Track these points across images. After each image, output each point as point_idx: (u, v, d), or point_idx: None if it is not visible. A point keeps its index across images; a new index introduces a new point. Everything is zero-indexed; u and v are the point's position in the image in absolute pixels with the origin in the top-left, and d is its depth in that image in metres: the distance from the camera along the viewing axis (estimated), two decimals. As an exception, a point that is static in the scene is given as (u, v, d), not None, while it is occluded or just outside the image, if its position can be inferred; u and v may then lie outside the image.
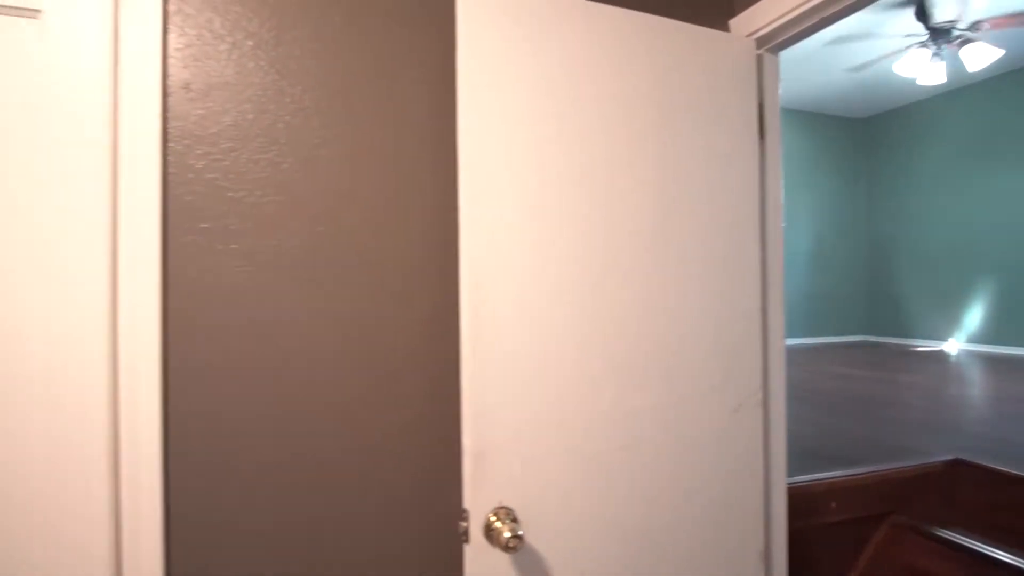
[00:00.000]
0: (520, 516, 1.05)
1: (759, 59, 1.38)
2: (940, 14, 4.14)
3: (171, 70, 1.01)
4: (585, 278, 1.12)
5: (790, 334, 6.44)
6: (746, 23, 1.38)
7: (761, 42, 1.37)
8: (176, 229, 1.00)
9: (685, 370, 1.23)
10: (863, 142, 7.00)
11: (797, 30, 1.31)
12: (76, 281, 0.96)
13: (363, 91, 1.11)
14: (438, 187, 1.15)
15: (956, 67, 5.42)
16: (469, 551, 1.01)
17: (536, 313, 1.08)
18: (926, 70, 4.62)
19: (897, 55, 4.98)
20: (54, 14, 0.97)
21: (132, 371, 0.97)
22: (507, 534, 0.96)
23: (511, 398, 1.05)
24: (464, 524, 1.01)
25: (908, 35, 4.59)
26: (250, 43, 1.05)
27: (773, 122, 1.41)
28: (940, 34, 4.30)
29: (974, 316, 5.80)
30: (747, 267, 1.32)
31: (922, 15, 4.20)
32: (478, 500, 1.02)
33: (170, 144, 1.00)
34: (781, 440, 1.39)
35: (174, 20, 1.01)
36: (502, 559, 1.02)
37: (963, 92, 5.92)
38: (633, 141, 1.19)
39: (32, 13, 0.97)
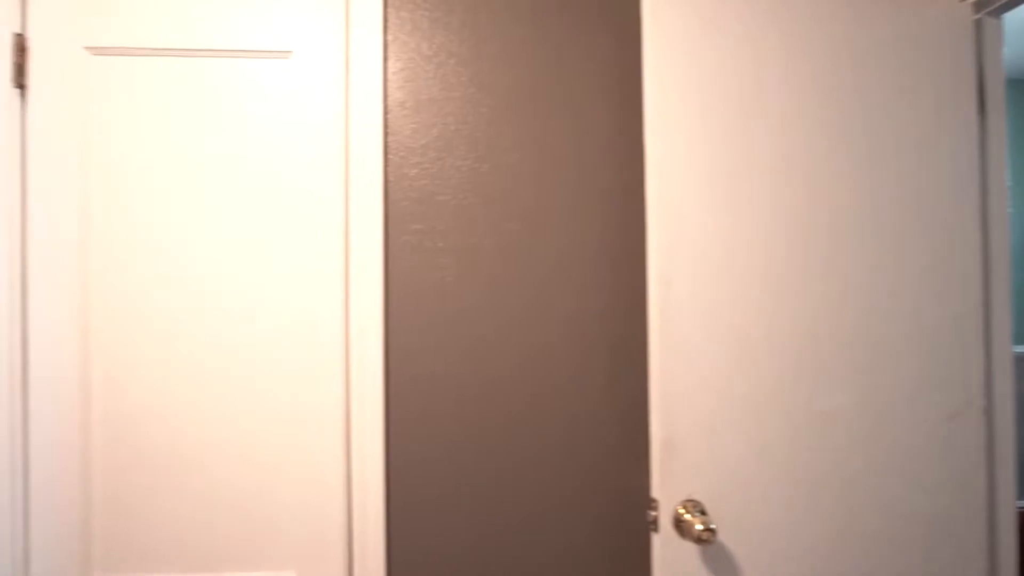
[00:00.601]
0: (708, 510, 1.04)
1: (977, 24, 1.23)
2: None
3: (389, 91, 1.15)
4: (774, 272, 1.09)
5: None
6: (962, -13, 1.24)
7: (979, 5, 1.22)
8: (394, 230, 1.15)
9: (887, 372, 1.14)
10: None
11: (1030, -12, 1.15)
12: (320, 278, 1.14)
13: (547, 98, 1.18)
14: (617, 186, 1.19)
15: None
16: (658, 540, 1.03)
17: (723, 307, 1.07)
18: None
19: None
20: (301, 54, 1.16)
21: (361, 349, 1.13)
22: (699, 526, 0.97)
23: (698, 391, 1.05)
24: (653, 513, 1.03)
25: None
26: (452, 61, 1.17)
27: (996, 95, 1.25)
28: None
29: None
30: (964, 260, 1.18)
31: None
32: (667, 490, 1.03)
33: (389, 156, 1.15)
34: (1009, 455, 1.22)
35: (391, 48, 1.16)
36: (692, 550, 1.03)
37: None
38: (828, 128, 1.12)
39: (284, 54, 1.16)
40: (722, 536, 1.05)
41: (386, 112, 1.16)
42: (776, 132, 1.10)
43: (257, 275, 1.15)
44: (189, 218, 1.15)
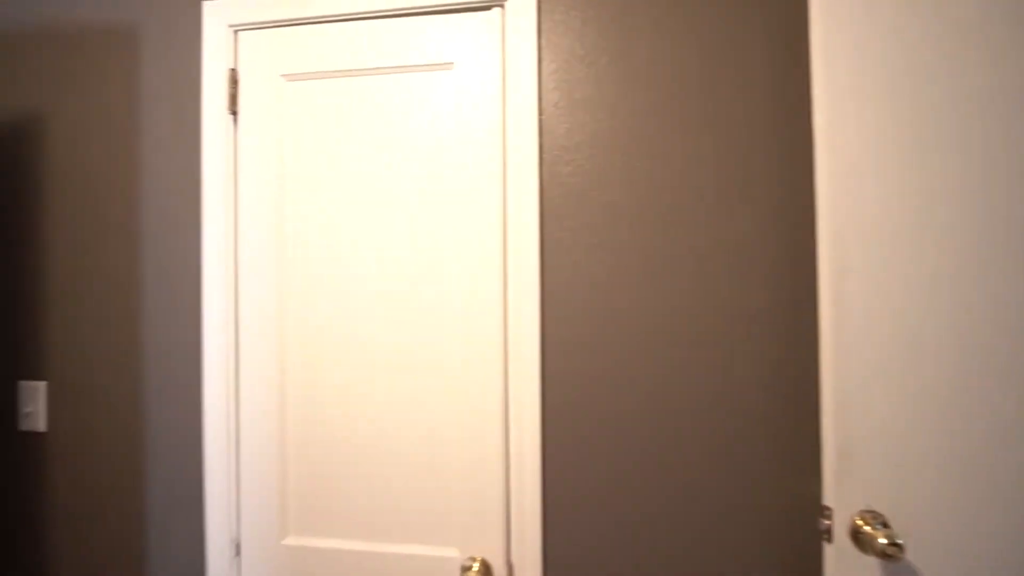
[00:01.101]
0: (891, 523, 0.95)
1: None
2: None
3: (544, 92, 1.20)
4: (964, 266, 0.97)
5: None
6: None
7: None
8: (548, 227, 1.18)
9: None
10: None
11: None
12: (479, 274, 1.21)
13: (699, 90, 1.15)
14: (776, 177, 1.12)
15: None
16: (831, 551, 0.96)
17: (904, 299, 0.97)
18: None
19: None
20: (461, 64, 1.24)
21: (518, 342, 1.19)
22: (883, 540, 0.89)
23: (877, 391, 0.97)
24: (826, 522, 0.96)
25: None
26: (604, 59, 1.18)
27: None
28: None
29: None
30: None
31: None
32: (842, 499, 0.96)
33: (544, 155, 1.19)
34: None
35: (546, 51, 1.20)
36: (872, 566, 0.95)
37: None
38: (1043, 96, 0.98)
39: (447, 66, 1.25)
40: (911, 555, 0.95)
41: (541, 113, 1.20)
42: (972, 109, 0.98)
43: (421, 275, 1.25)
44: (362, 221, 1.28)
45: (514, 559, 1.19)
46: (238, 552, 1.32)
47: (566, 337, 1.18)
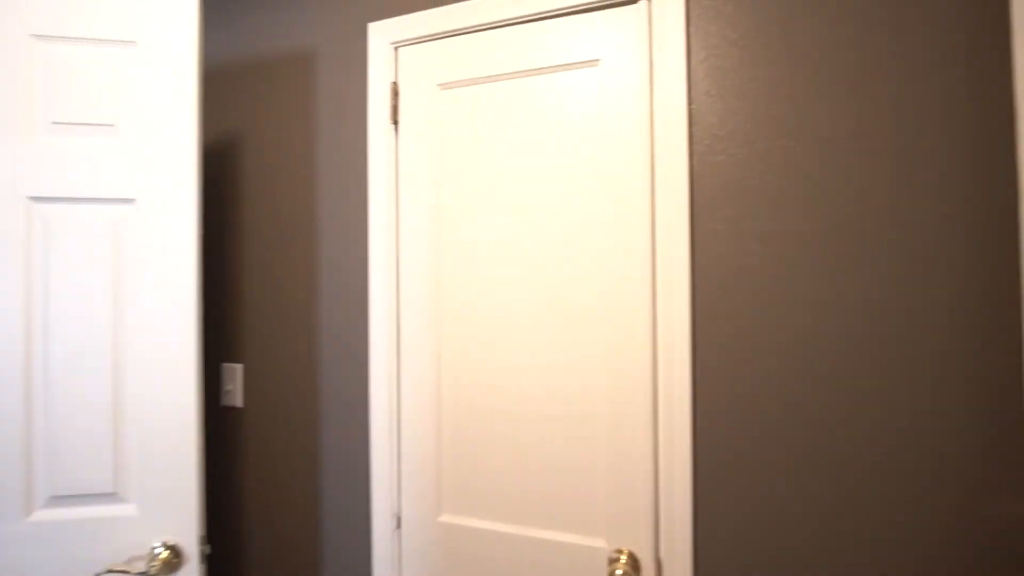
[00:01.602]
0: None
1: None
2: None
3: (693, 80, 1.17)
4: None
5: None
6: None
7: None
8: (699, 219, 1.16)
9: None
10: None
11: None
12: (625, 268, 1.22)
13: (864, 69, 1.06)
14: (963, 168, 1.00)
15: None
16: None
17: None
18: None
19: None
20: (608, 59, 1.25)
21: (668, 336, 1.18)
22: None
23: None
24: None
25: None
26: (759, 43, 1.13)
27: None
28: None
29: None
30: None
31: None
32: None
33: (694, 145, 1.17)
34: None
35: (695, 38, 1.17)
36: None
37: None
38: None
39: (593, 63, 1.27)
40: None
41: (690, 103, 1.18)
42: None
43: (569, 269, 1.28)
44: (510, 217, 1.34)
45: (663, 555, 1.18)
46: (399, 525, 1.44)
47: (719, 330, 1.15)
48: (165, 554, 1.17)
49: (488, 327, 1.36)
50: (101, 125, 1.19)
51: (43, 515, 1.16)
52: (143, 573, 1.14)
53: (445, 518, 1.40)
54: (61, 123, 1.18)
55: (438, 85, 1.42)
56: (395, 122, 1.46)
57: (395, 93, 1.46)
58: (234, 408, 1.65)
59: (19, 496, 1.15)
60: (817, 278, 1.08)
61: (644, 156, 1.21)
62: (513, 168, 1.34)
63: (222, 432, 1.66)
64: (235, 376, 1.64)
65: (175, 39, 1.22)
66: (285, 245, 1.59)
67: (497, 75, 1.36)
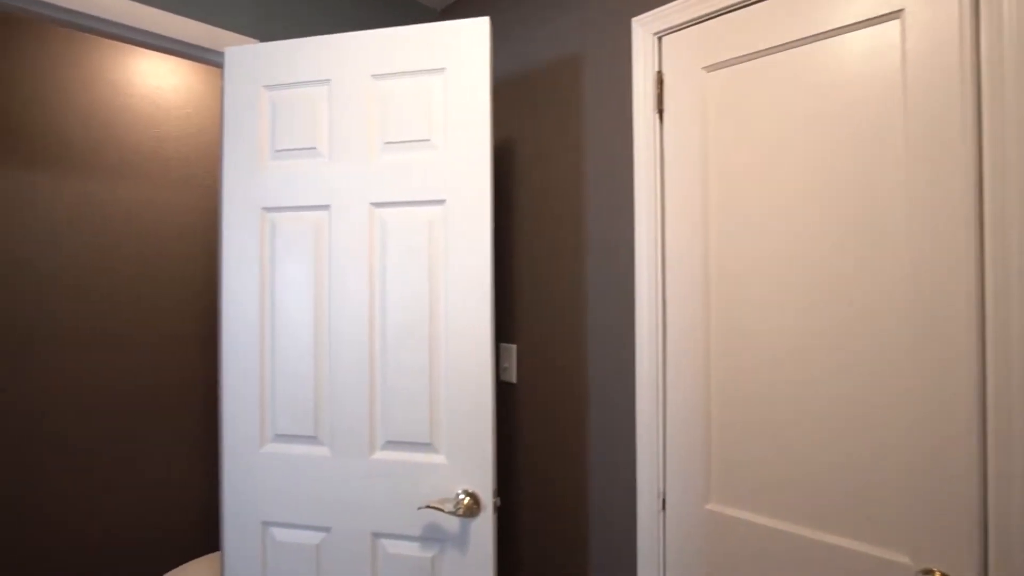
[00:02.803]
0: None
1: None
2: None
3: (1042, 17, 0.96)
4: None
5: None
6: None
7: None
8: (1051, 182, 0.95)
9: None
10: None
11: None
12: (942, 250, 1.05)
13: None
14: None
15: None
16: None
17: None
18: None
19: None
20: (914, 9, 1.10)
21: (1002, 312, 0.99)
22: None
23: None
24: None
25: None
26: None
27: None
28: None
29: None
30: None
31: None
32: None
33: (1042, 94, 0.96)
34: None
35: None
36: None
37: None
38: None
39: (892, 15, 1.12)
40: None
41: (1037, 43, 0.96)
42: None
43: (857, 255, 1.15)
44: (784, 195, 1.25)
45: (993, 585, 1.00)
46: (663, 507, 1.47)
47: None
48: (467, 500, 1.38)
49: (761, 312, 1.30)
50: (419, 141, 1.45)
51: (381, 455, 1.47)
52: (453, 512, 1.36)
53: (713, 506, 1.38)
54: (392, 142, 1.47)
55: (703, 68, 1.40)
56: (659, 111, 1.48)
57: (659, 82, 1.48)
58: (509, 384, 1.85)
59: (366, 438, 1.47)
60: None
61: (957, 121, 1.03)
62: (788, 143, 1.26)
63: (499, 404, 1.89)
64: (511, 355, 1.84)
65: (474, 62, 1.42)
66: (553, 236, 1.73)
67: (766, 49, 1.29)
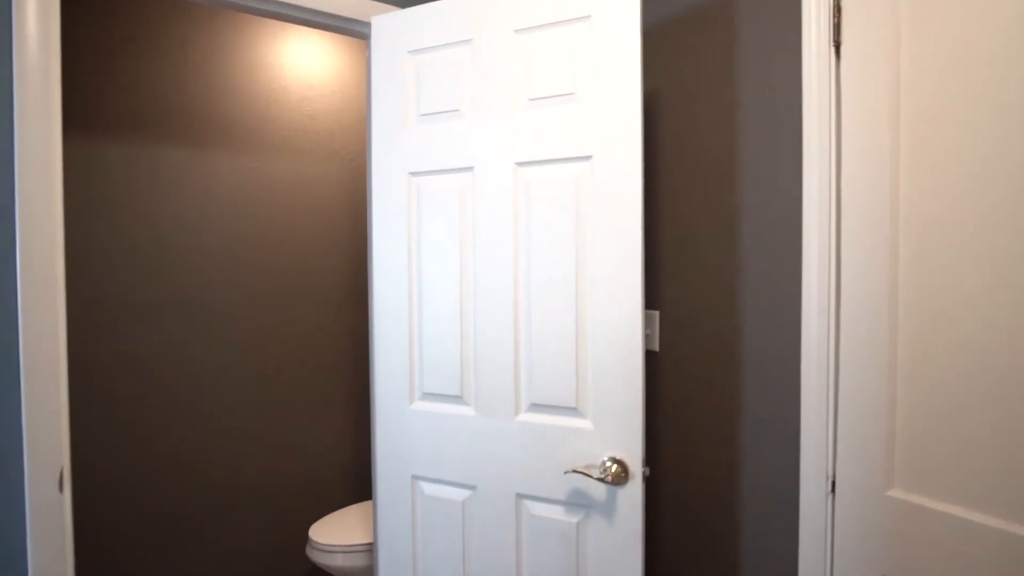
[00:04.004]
0: None
1: None
2: None
3: None
4: None
5: None
6: None
7: None
8: None
9: None
10: None
11: None
12: None
13: None
14: None
15: None
16: None
17: None
18: None
19: None
20: None
21: None
22: None
23: None
24: None
25: None
26: None
27: None
28: None
29: None
30: None
31: None
32: None
33: None
34: None
35: None
36: None
37: None
38: None
39: None
40: None
41: None
42: None
43: None
44: (1006, 145, 1.03)
45: None
46: (832, 490, 1.32)
47: None
48: (615, 468, 1.33)
49: (966, 271, 1.10)
50: (563, 96, 1.39)
51: (526, 417, 1.46)
52: (601, 479, 1.32)
53: (897, 493, 1.21)
54: (535, 99, 1.42)
55: (896, -12, 1.19)
56: (836, 43, 1.29)
57: (837, 10, 1.29)
58: (652, 351, 1.77)
59: (511, 400, 1.47)
60: None
61: None
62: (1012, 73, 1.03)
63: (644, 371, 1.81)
64: (653, 322, 1.75)
65: (622, 7, 1.32)
66: (702, 195, 1.60)
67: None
